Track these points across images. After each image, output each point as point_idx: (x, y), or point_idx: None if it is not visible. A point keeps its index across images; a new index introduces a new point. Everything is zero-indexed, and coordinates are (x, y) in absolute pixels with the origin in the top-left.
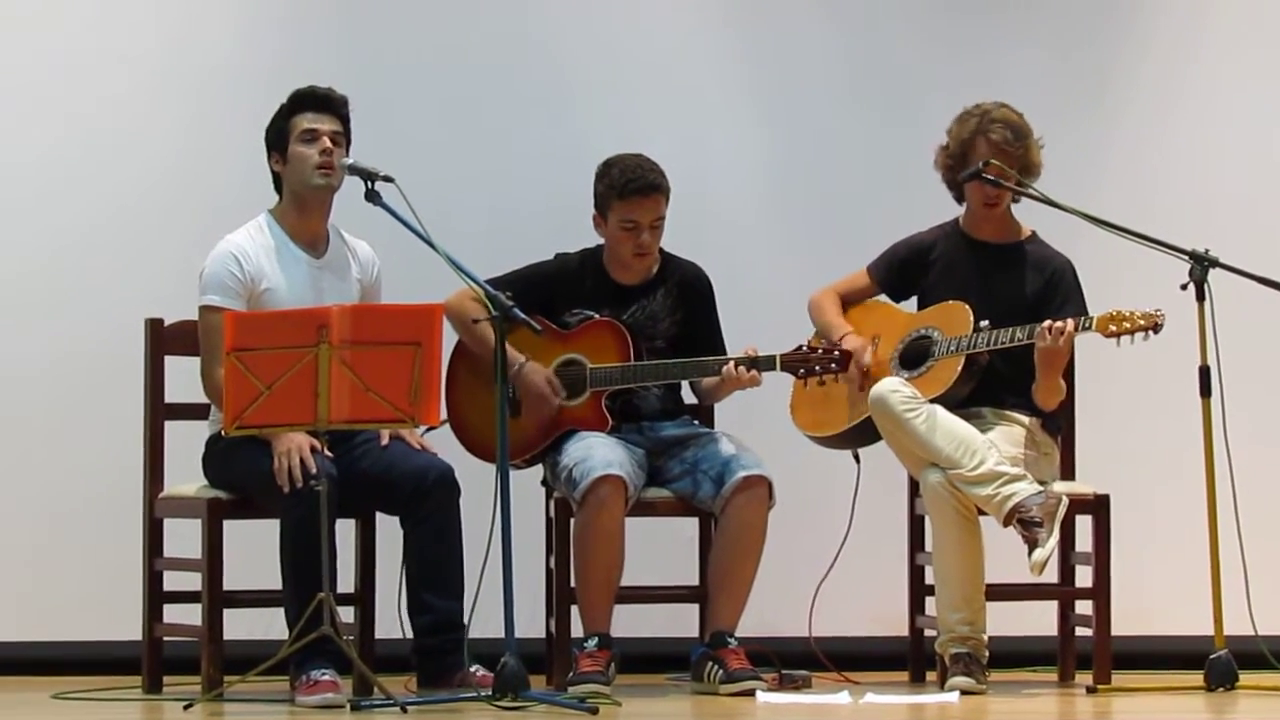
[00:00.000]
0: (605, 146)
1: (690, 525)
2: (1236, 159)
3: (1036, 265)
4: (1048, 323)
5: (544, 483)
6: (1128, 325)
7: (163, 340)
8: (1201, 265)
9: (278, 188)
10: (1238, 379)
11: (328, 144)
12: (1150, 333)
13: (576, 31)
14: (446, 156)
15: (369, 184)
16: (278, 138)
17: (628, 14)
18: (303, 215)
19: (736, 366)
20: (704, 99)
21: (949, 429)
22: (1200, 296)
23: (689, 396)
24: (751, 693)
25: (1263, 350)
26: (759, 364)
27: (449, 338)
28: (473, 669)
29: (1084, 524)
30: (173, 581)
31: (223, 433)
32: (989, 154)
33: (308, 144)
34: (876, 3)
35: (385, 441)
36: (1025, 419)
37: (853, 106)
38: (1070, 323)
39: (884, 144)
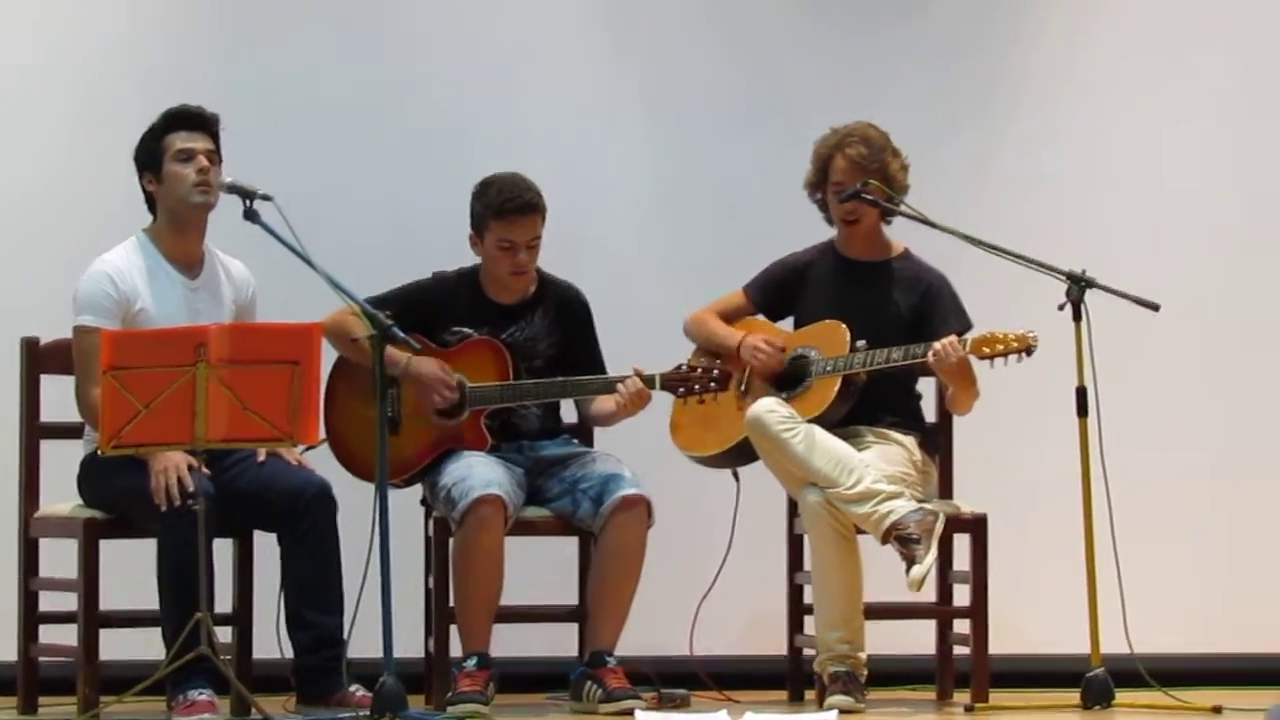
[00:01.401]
0: (487, 165)
1: (570, 544)
2: (1118, 177)
3: (908, 282)
4: (938, 345)
5: (423, 502)
6: (1001, 347)
7: (38, 359)
8: (1078, 285)
9: (151, 208)
10: (1115, 398)
11: (204, 163)
12: (1024, 355)
13: (461, 52)
14: (326, 175)
15: (248, 202)
16: (150, 157)
17: (512, 32)
18: (178, 235)
19: (628, 380)
20: (587, 117)
21: (827, 449)
22: (1077, 316)
23: (569, 415)
24: (630, 712)
25: (1140, 369)
26: (642, 382)
27: (328, 356)
28: (352, 689)
29: (962, 543)
30: (48, 602)
31: (99, 452)
32: (845, 171)
33: (183, 163)
34: (764, 20)
35: (262, 458)
36: (903, 438)
37: (739, 126)
38: (956, 340)
39: (771, 164)
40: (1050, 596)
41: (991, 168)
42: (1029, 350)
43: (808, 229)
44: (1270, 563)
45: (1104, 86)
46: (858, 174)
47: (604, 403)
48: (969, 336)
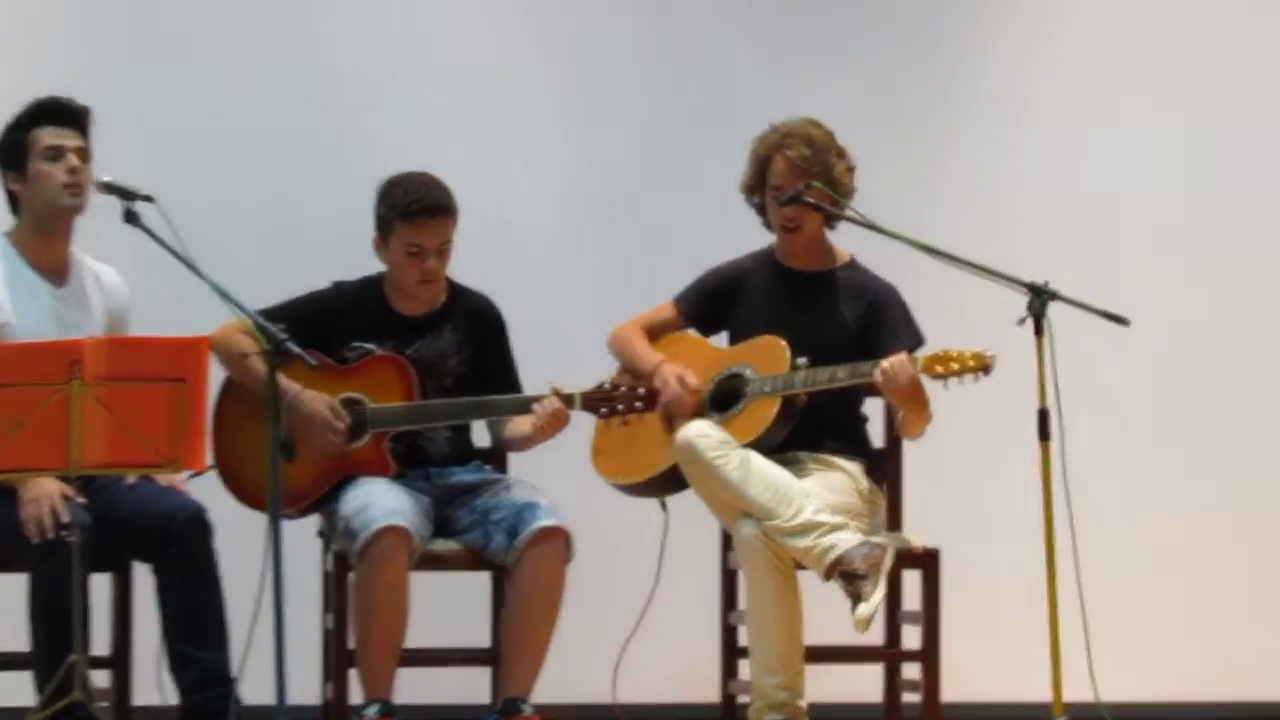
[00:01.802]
0: (394, 166)
1: (481, 580)
2: (1083, 181)
3: (853, 294)
4: (886, 363)
5: (321, 534)
6: (955, 366)
7: None
8: (1040, 298)
9: (14, 209)
10: (1080, 421)
11: (75, 161)
12: (980, 374)
13: (368, 44)
14: (216, 176)
15: (127, 204)
16: (13, 153)
17: (422, 27)
18: (44, 239)
19: (545, 400)
20: (504, 113)
21: (764, 476)
22: (1039, 332)
23: (481, 439)
24: None
25: (1107, 390)
26: (561, 401)
27: (216, 374)
28: None
29: (912, 579)
30: None
31: None
32: (785, 173)
33: (52, 161)
34: (693, 14)
35: (132, 481)
36: (848, 464)
37: (671, 123)
38: (906, 358)
39: (705, 164)
40: (1008, 639)
41: (945, 170)
42: (986, 370)
43: (745, 235)
44: (1249, 602)
45: (1066, 85)
46: (799, 177)
47: (519, 424)
48: (920, 354)
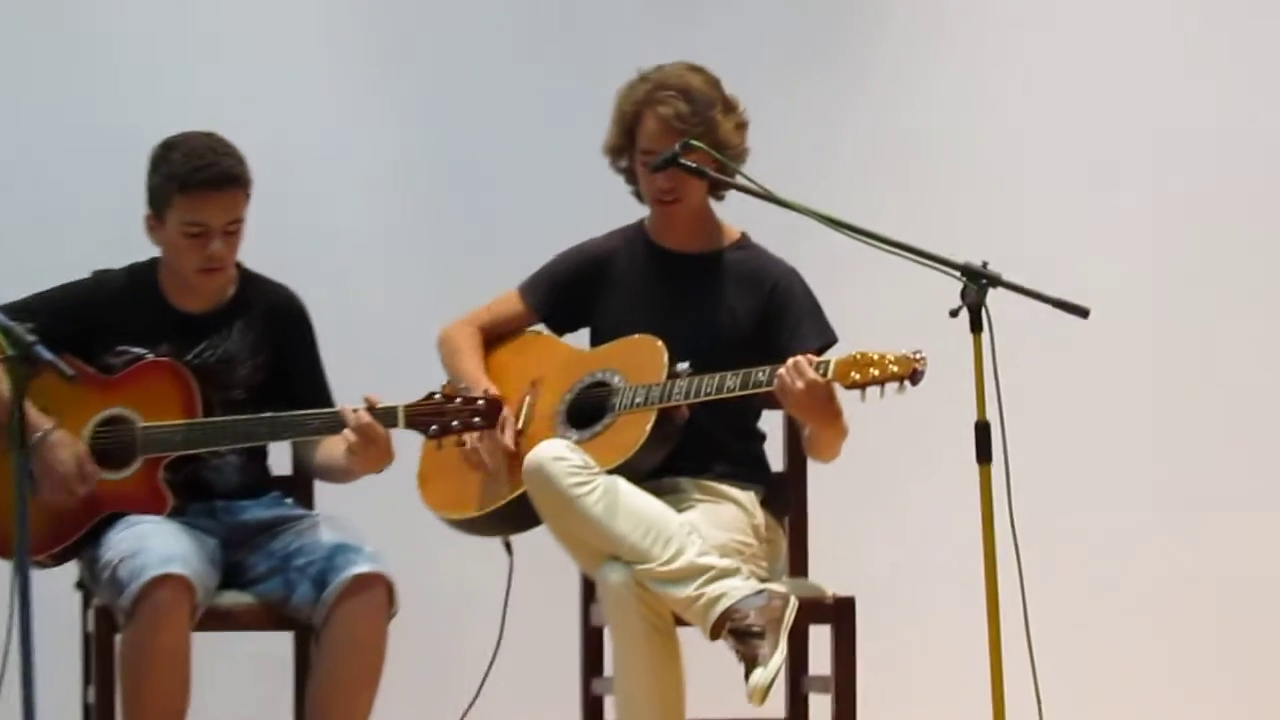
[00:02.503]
0: (169, 129)
1: (282, 641)
2: (1024, 138)
3: (746, 280)
4: (785, 369)
5: (80, 585)
6: (875, 373)
7: None
8: (977, 283)
9: None
10: (1027, 436)
11: None
12: (906, 383)
13: None
14: None
15: None
16: None
17: None
18: None
19: (357, 413)
20: (304, 60)
21: (634, 509)
22: (976, 326)
23: (280, 465)
24: None
25: (1059, 397)
26: (378, 419)
27: None
28: None
29: (821, 636)
30: None
31: None
32: (658, 133)
33: None
34: None
35: None
36: (740, 494)
37: (509, 69)
38: (812, 362)
39: (556, 120)
40: (940, 705)
41: (854, 125)
42: (914, 377)
43: (610, 205)
44: (1223, 650)
45: (998, 15)
46: (674, 137)
47: (332, 448)
48: (831, 358)
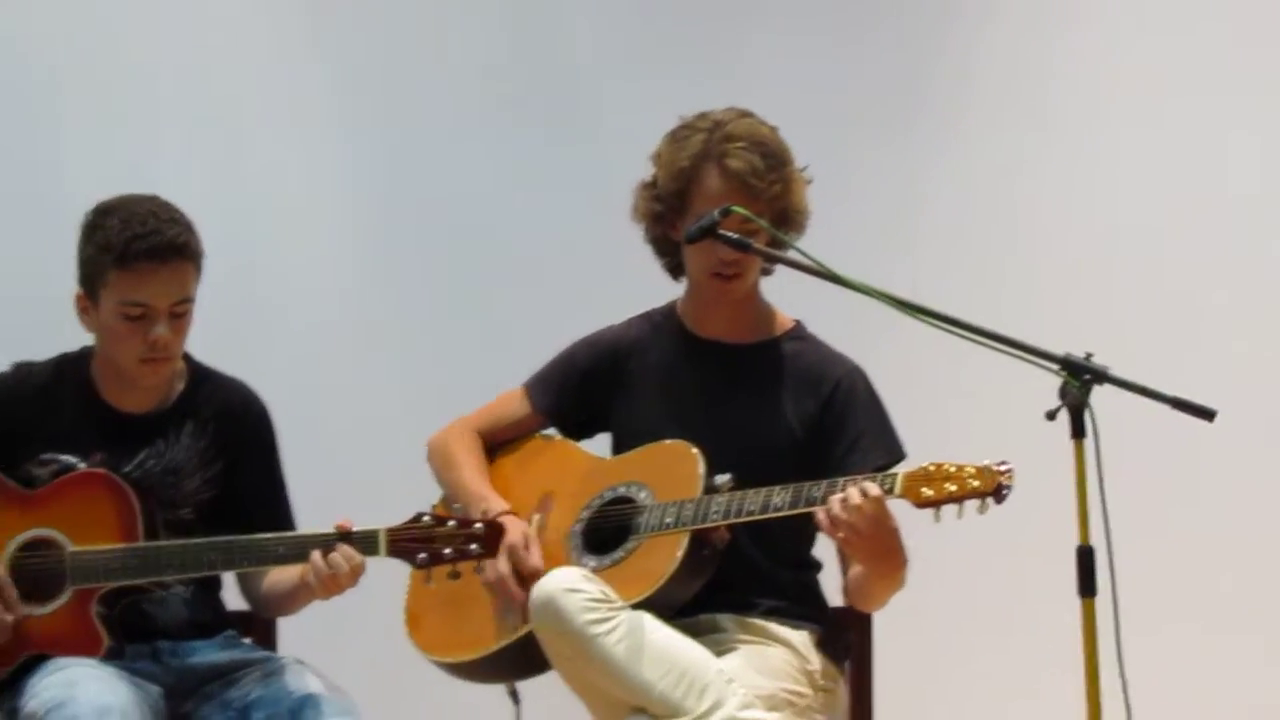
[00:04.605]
0: (103, 191)
1: None
2: (1130, 207)
3: (803, 377)
4: (837, 494)
5: None
6: (952, 489)
7: None
8: (1079, 380)
9: None
10: (1139, 563)
11: None
12: (988, 500)
13: (65, 25)
14: None
15: None
16: None
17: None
18: None
19: (325, 553)
20: (268, 117)
21: (663, 651)
22: (1078, 431)
23: (233, 599)
24: None
25: (1179, 516)
26: (355, 545)
27: None
28: None
29: None
30: None
31: None
32: (725, 192)
33: None
34: None
35: None
36: (790, 633)
37: (503, 125)
38: (871, 485)
39: (558, 182)
40: None
41: (931, 196)
42: (998, 493)
43: (629, 285)
44: None
45: (1097, 71)
46: (743, 197)
47: (282, 573)
48: (898, 471)
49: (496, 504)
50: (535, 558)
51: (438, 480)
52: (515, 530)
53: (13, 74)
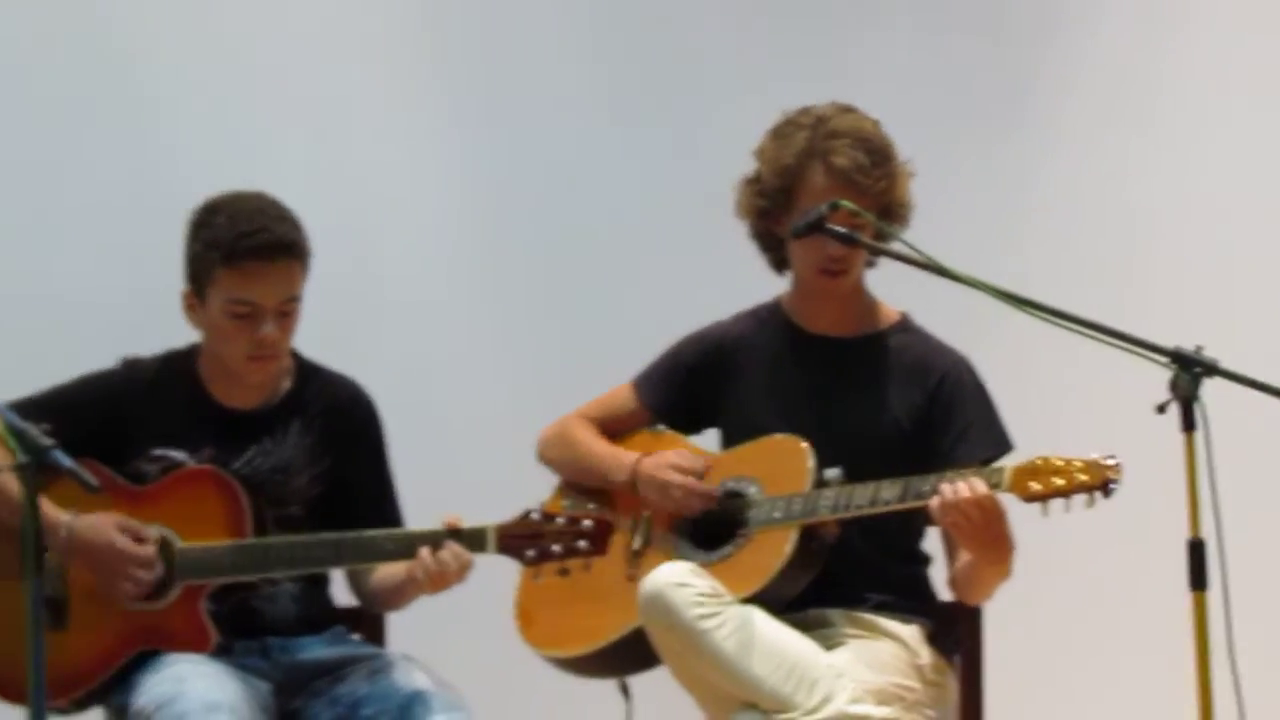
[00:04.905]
0: (212, 188)
1: None
2: (1236, 200)
3: (910, 370)
4: (947, 484)
5: None
6: (1060, 483)
7: None
8: (1190, 372)
9: None
10: (1249, 558)
11: None
12: (1097, 494)
13: (172, 24)
14: None
15: None
16: None
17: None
18: None
19: (434, 550)
20: (384, 119)
21: (773, 646)
22: (1188, 424)
23: (342, 594)
24: None
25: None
26: (464, 542)
27: None
28: None
29: None
30: None
31: None
32: (831, 189)
33: None
34: None
35: None
36: (901, 628)
37: (612, 122)
38: (979, 482)
39: (664, 178)
40: None
41: (1038, 191)
42: (1106, 487)
43: (734, 280)
44: None
45: (1210, 65)
46: (850, 192)
47: (389, 569)
48: (1006, 464)
49: (627, 456)
50: (697, 461)
51: (558, 464)
52: (664, 471)
53: (125, 71)
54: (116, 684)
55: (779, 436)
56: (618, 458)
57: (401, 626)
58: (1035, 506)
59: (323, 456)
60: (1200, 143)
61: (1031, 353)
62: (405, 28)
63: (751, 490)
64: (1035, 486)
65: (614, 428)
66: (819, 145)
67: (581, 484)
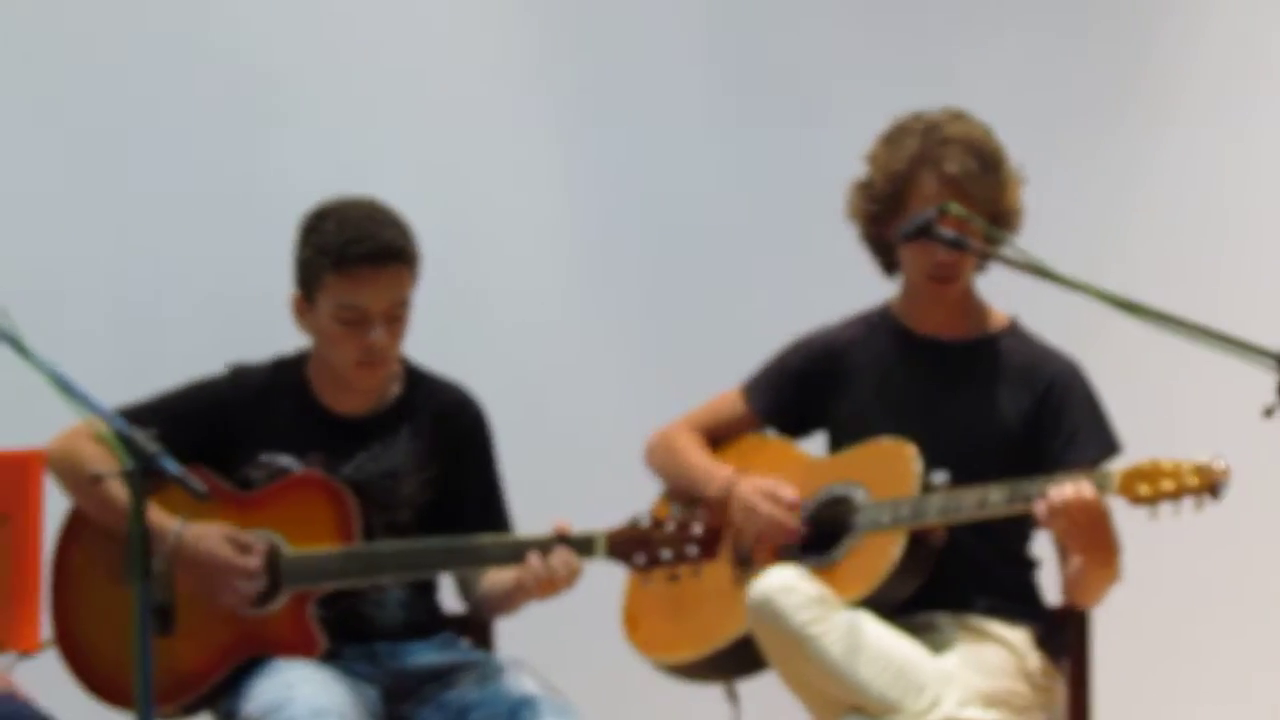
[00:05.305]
0: (322, 193)
1: None
2: None
3: (1020, 374)
4: (1054, 487)
5: None
6: (1169, 486)
7: None
8: None
9: None
10: None
11: None
12: (1206, 496)
13: (284, 29)
14: (54, 213)
15: None
16: None
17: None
18: None
19: (543, 556)
20: (493, 123)
21: (881, 651)
22: None
23: (450, 600)
24: None
25: None
26: (573, 547)
27: (55, 505)
28: None
29: None
30: None
31: None
32: (941, 196)
33: None
34: None
35: None
36: (1008, 632)
37: (722, 125)
38: (1086, 485)
39: (774, 183)
40: None
41: (1145, 191)
42: (1215, 490)
43: (845, 285)
44: None
45: None
46: (960, 199)
47: (498, 575)
48: (1113, 469)
49: (723, 471)
50: (789, 492)
51: (661, 472)
52: (753, 494)
53: (235, 76)
54: (224, 690)
55: (885, 440)
56: (711, 471)
57: (509, 632)
58: (1144, 510)
59: (431, 462)
60: None
61: (1139, 356)
62: (517, 34)
63: (857, 494)
64: (1144, 490)
65: (722, 433)
66: (930, 151)
67: (682, 493)
